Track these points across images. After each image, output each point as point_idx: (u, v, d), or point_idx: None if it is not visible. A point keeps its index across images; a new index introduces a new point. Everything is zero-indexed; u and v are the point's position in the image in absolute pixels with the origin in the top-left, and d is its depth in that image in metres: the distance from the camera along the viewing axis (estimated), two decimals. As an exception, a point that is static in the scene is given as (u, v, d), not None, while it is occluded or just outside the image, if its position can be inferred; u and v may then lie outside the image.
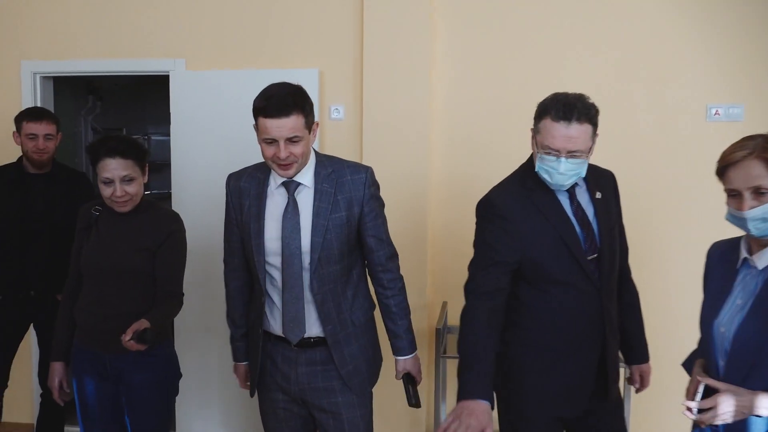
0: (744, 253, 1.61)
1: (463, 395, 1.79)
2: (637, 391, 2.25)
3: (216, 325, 3.15)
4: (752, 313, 1.53)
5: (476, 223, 2.03)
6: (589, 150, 1.89)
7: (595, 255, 1.94)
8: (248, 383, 2.23)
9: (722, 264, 1.68)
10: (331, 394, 2.07)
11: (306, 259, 1.99)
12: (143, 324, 2.01)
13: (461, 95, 3.20)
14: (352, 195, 2.03)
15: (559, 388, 1.97)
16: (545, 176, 1.89)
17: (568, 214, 1.94)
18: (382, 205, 2.14)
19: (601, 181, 2.04)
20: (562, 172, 1.85)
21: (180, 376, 2.39)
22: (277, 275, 2.03)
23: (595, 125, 1.87)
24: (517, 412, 2.02)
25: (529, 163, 2.00)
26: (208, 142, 3.26)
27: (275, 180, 2.03)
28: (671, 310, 3.02)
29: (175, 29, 3.37)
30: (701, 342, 1.71)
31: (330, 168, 2.05)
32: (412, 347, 2.18)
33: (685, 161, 3.06)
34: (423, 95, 3.12)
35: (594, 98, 1.89)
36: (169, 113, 3.32)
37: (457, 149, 3.22)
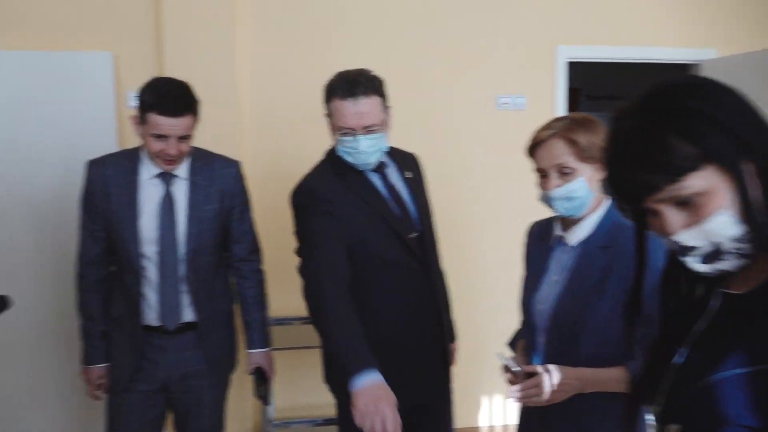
0: (558, 231, 1.63)
1: (352, 379, 1.54)
2: None
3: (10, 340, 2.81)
4: (567, 289, 1.55)
5: (295, 215, 1.93)
6: (383, 122, 1.87)
7: (416, 234, 1.95)
8: (99, 387, 2.17)
9: (539, 242, 1.71)
10: (199, 377, 2.14)
11: (182, 250, 2.05)
12: None
13: (270, 80, 3.14)
14: (224, 187, 2.13)
15: (403, 376, 1.79)
16: (348, 158, 1.87)
17: (383, 194, 1.93)
18: (249, 199, 2.23)
19: (407, 161, 2.06)
20: (363, 150, 1.84)
21: None
22: (149, 265, 2.05)
23: (382, 96, 1.87)
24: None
25: (333, 149, 1.95)
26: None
27: (149, 170, 2.06)
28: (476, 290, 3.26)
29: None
30: (523, 321, 1.73)
31: (202, 161, 2.13)
32: (265, 342, 2.26)
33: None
34: (230, 81, 3.00)
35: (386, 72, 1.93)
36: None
37: (267, 135, 3.16)
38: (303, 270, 1.89)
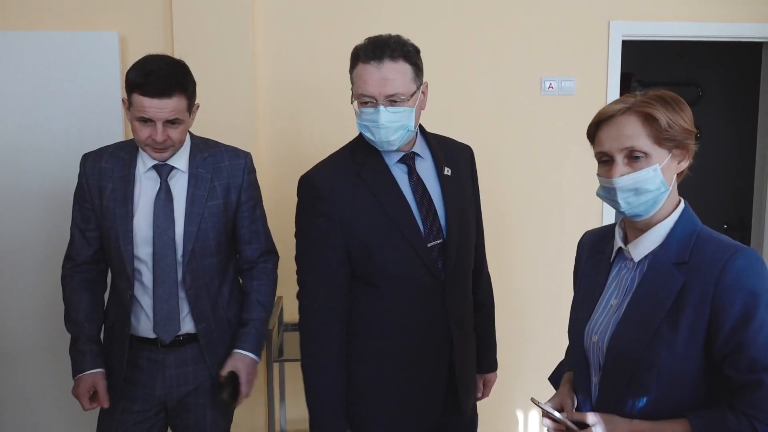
0: (619, 243, 1.34)
1: None
2: (477, 399, 1.99)
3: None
4: (628, 316, 1.27)
5: (297, 205, 1.73)
6: (413, 95, 1.62)
7: (439, 241, 1.67)
8: (92, 398, 1.89)
9: (594, 256, 1.42)
10: (200, 395, 1.94)
11: (179, 251, 1.85)
12: None
13: (288, 63, 2.86)
14: (230, 181, 1.92)
15: (405, 402, 1.69)
16: (368, 134, 1.64)
17: (404, 192, 1.67)
18: (260, 194, 2.03)
19: (453, 155, 1.80)
20: (384, 124, 1.59)
21: None
22: (143, 268, 1.86)
23: (415, 65, 1.63)
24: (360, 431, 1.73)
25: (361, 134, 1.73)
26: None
27: (144, 162, 1.87)
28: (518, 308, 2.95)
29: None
30: (570, 352, 1.45)
31: (206, 152, 1.93)
32: (254, 348, 1.97)
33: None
34: (246, 62, 2.74)
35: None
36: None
37: (284, 122, 2.89)
38: (299, 294, 1.70)
